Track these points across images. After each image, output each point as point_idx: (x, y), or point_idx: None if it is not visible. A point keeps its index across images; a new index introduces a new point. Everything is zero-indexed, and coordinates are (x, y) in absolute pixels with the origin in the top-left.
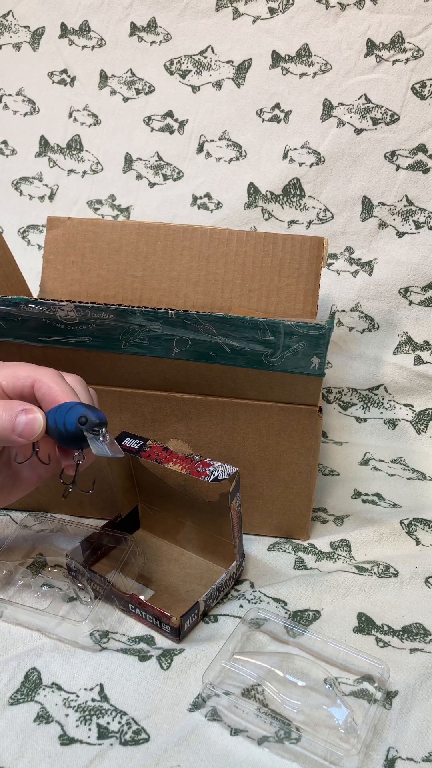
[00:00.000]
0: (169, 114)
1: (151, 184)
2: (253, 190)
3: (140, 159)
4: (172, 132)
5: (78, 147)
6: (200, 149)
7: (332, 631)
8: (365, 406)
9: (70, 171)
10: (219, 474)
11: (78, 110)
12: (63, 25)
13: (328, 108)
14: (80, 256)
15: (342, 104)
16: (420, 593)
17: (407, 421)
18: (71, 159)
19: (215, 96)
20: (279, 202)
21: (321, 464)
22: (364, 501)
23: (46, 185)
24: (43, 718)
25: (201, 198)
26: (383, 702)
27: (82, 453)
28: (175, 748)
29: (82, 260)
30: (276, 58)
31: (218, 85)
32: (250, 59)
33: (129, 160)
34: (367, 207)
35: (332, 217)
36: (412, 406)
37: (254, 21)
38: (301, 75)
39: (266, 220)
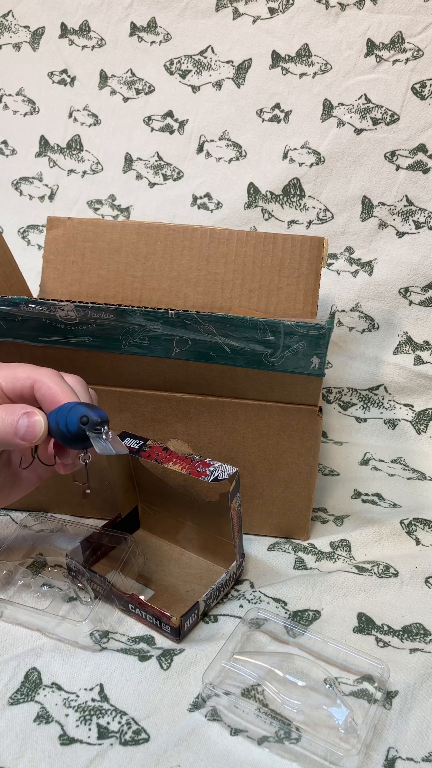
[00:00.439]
0: (169, 114)
1: (151, 184)
2: (253, 190)
3: (140, 159)
4: (172, 132)
5: (78, 147)
6: (200, 149)
7: (332, 631)
8: (365, 406)
9: (70, 171)
10: (219, 474)
11: (78, 110)
12: (63, 25)
13: (328, 108)
14: (80, 256)
15: (342, 104)
16: (420, 593)
17: (407, 421)
18: (71, 159)
19: (215, 96)
20: (279, 202)
21: (321, 464)
22: (364, 501)
23: (46, 185)
24: (43, 718)
25: (201, 198)
26: (383, 702)
27: (87, 452)
28: (175, 748)
29: (82, 260)
30: (276, 58)
31: (218, 85)
32: (250, 59)
33: (129, 160)
34: (367, 207)
35: (332, 217)
36: (412, 406)
37: (254, 21)
38: (301, 75)
39: (266, 220)
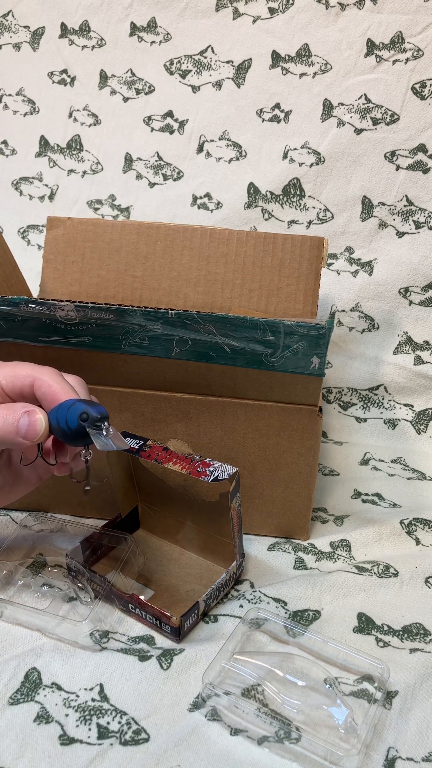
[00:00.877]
0: (169, 114)
1: (151, 184)
2: (253, 190)
3: (140, 159)
4: (172, 132)
5: (78, 147)
6: (200, 149)
7: (332, 631)
8: (365, 406)
9: (70, 171)
10: (219, 474)
11: (78, 110)
12: (63, 25)
13: (328, 108)
14: (80, 256)
15: (342, 104)
16: (420, 593)
17: (407, 421)
18: (71, 159)
19: (215, 96)
20: (279, 202)
21: (321, 464)
22: (364, 501)
23: (46, 185)
24: (43, 718)
25: (201, 198)
26: (383, 702)
27: (88, 449)
28: (175, 748)
29: (82, 260)
30: (276, 58)
31: (218, 85)
32: (250, 59)
33: (129, 160)
34: (367, 207)
35: (332, 217)
36: (412, 406)
37: (254, 21)
38: (301, 75)
39: (266, 220)
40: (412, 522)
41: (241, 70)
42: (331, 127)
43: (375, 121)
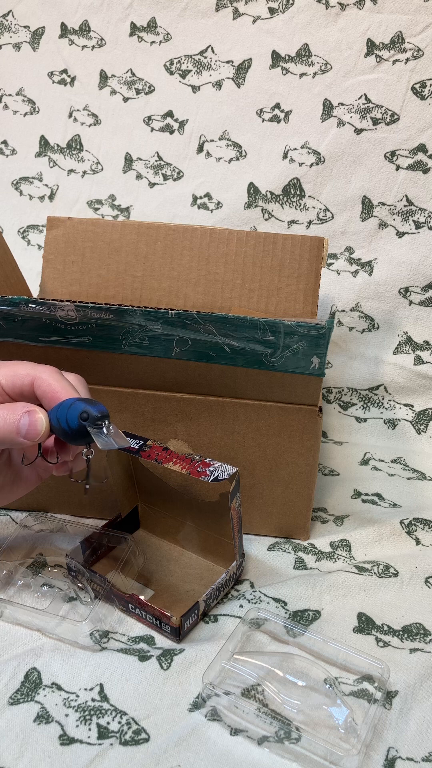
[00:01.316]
0: (169, 114)
1: (151, 184)
2: (253, 190)
3: (140, 159)
4: (172, 132)
5: (78, 147)
6: (200, 149)
7: (332, 631)
8: (365, 406)
9: (70, 171)
10: (219, 474)
11: (78, 110)
12: (63, 25)
13: (328, 108)
14: (80, 256)
15: (342, 104)
16: (420, 593)
17: (407, 421)
18: (71, 159)
19: (215, 96)
20: (279, 202)
21: (321, 464)
22: (364, 501)
23: (46, 185)
24: (43, 718)
25: (201, 198)
26: (383, 702)
27: (90, 448)
28: (175, 748)
29: (82, 260)
30: (276, 58)
31: (218, 85)
32: (250, 59)
33: (129, 160)
34: (367, 207)
35: (332, 217)
36: (412, 406)
37: (254, 21)
38: (301, 75)
39: (266, 220)
40: (412, 522)
41: (241, 70)
42: (331, 127)
43: (375, 121)
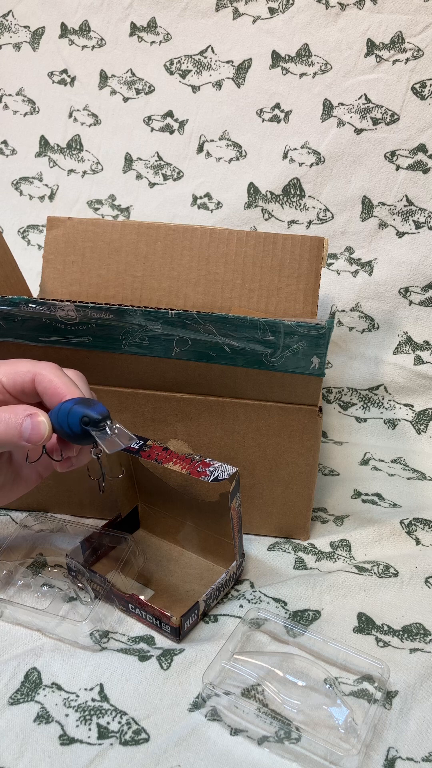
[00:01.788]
0: (169, 114)
1: (151, 184)
2: (253, 190)
3: (140, 159)
4: (172, 132)
5: (78, 147)
6: (200, 149)
7: (332, 631)
8: (365, 406)
9: (70, 171)
10: (219, 474)
11: (78, 110)
12: (63, 25)
13: (328, 108)
14: (80, 256)
15: (342, 104)
16: (420, 593)
17: (407, 421)
18: (71, 159)
19: (215, 96)
20: (279, 202)
21: (321, 464)
22: (364, 501)
23: (46, 185)
24: (43, 718)
25: (201, 198)
26: (383, 702)
27: (97, 446)
28: (175, 748)
29: (82, 260)
30: (276, 58)
31: (218, 85)
32: (250, 59)
33: (129, 160)
34: (367, 207)
35: (332, 217)
36: (412, 406)
37: (254, 21)
38: (301, 75)
39: (266, 220)
40: (412, 522)
41: (241, 70)
42: (331, 127)
43: (375, 121)
